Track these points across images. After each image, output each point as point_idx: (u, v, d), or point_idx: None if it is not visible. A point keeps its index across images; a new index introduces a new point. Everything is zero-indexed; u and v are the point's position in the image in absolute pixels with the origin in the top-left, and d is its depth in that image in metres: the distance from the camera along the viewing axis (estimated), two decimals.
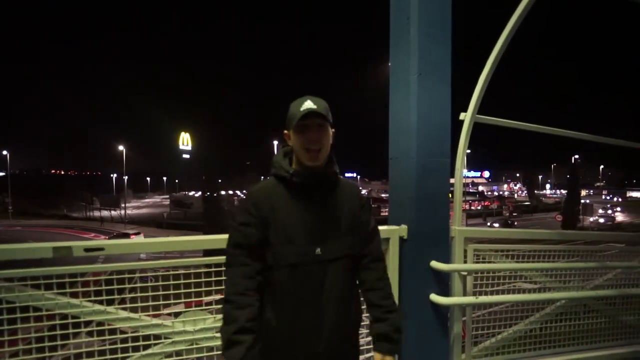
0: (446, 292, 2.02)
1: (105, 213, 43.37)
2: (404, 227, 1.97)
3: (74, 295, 1.53)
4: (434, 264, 1.95)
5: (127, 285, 1.59)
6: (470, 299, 2.00)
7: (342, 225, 1.20)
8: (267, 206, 1.15)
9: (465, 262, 2.12)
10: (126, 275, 1.58)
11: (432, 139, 1.96)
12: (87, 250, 1.50)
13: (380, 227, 1.98)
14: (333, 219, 1.19)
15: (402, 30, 2.01)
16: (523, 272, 2.26)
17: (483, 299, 2.00)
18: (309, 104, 1.14)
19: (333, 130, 1.23)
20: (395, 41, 2.09)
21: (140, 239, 1.73)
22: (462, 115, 2.09)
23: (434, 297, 1.95)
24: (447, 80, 1.99)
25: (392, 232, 1.97)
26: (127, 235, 28.26)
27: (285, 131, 1.22)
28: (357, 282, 1.29)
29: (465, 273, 2.05)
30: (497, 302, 2.10)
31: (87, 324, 1.53)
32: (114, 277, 1.56)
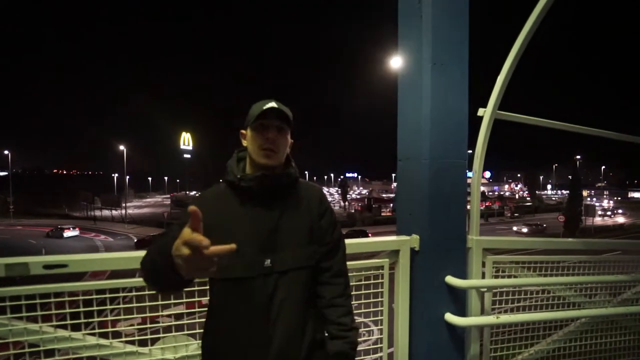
0: (462, 311, 1.79)
1: (105, 212, 43.29)
2: (416, 237, 1.75)
3: (33, 319, 1.31)
4: (450, 279, 1.72)
5: (94, 307, 1.36)
6: (490, 319, 1.78)
7: (299, 233, 1.08)
8: (214, 212, 1.03)
9: (483, 275, 1.90)
10: (94, 296, 1.35)
11: (447, 138, 1.74)
12: (47, 267, 1.28)
13: (389, 238, 1.77)
14: (287, 227, 1.07)
15: (413, 14, 1.78)
16: (549, 287, 2.03)
17: (505, 318, 1.77)
18: (270, 105, 1.06)
19: (292, 140, 1.16)
20: (404, 27, 1.86)
21: (112, 254, 1.50)
22: (480, 111, 1.86)
23: (449, 317, 1.72)
24: (464, 72, 1.77)
25: (402, 243, 1.74)
26: (61, 230, 28.60)
27: (242, 130, 1.13)
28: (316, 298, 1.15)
29: (485, 289, 1.82)
30: (521, 321, 1.87)
31: (49, 353, 1.31)
32: (80, 297, 1.34)
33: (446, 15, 1.71)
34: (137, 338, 1.41)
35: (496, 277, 1.92)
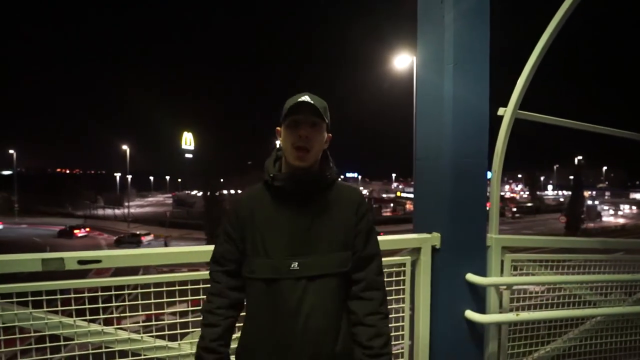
0: (482, 308, 1.81)
1: (100, 210, 43.47)
2: (437, 235, 1.77)
3: (66, 312, 1.33)
4: (471, 277, 1.74)
5: (127, 303, 1.39)
6: (509, 317, 1.79)
7: (331, 238, 1.03)
8: (247, 212, 1.06)
9: (501, 273, 1.91)
10: (126, 292, 1.38)
11: (469, 137, 1.76)
12: (81, 262, 1.30)
13: (410, 236, 1.79)
14: (319, 231, 1.03)
15: (434, 15, 1.80)
16: (566, 285, 2.04)
17: (524, 316, 1.78)
18: (304, 98, 1.02)
19: (329, 135, 1.11)
20: (425, 28, 1.88)
21: (140, 249, 1.56)
22: (500, 111, 1.88)
23: (469, 314, 1.74)
24: (485, 72, 1.79)
25: (423, 240, 1.76)
26: None
27: (278, 127, 1.10)
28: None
29: (504, 287, 1.84)
30: (540, 319, 1.89)
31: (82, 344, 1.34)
32: (112, 293, 1.36)
33: (468, 16, 1.73)
34: (166, 333, 1.44)
35: (514, 275, 1.94)
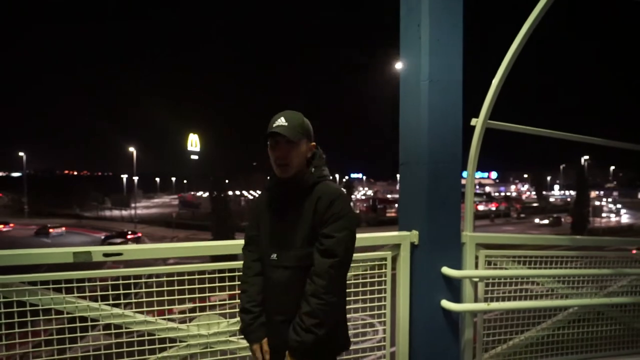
0: (457, 298, 2.02)
1: (107, 212, 44.04)
2: (415, 232, 1.98)
3: (93, 298, 1.57)
4: (445, 270, 1.95)
5: (143, 290, 1.62)
6: (481, 306, 2.00)
7: (300, 236, 1.24)
8: (255, 209, 1.40)
9: (476, 268, 2.11)
10: (142, 280, 1.61)
11: (443, 144, 1.96)
12: (106, 255, 1.54)
13: (391, 233, 2.01)
14: (292, 229, 1.26)
15: (412, 37, 2.01)
16: (536, 279, 2.24)
17: (495, 305, 1.99)
18: (278, 122, 1.23)
19: (312, 143, 1.32)
20: (405, 47, 2.09)
21: (159, 244, 1.77)
22: (473, 121, 2.08)
23: (445, 304, 1.95)
24: (458, 86, 1.99)
25: (403, 237, 1.97)
26: None
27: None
28: None
29: (477, 279, 2.04)
30: (509, 309, 2.09)
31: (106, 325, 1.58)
32: (131, 281, 1.60)
33: (442, 37, 1.94)
34: (177, 316, 1.67)
35: (488, 268, 2.14)
